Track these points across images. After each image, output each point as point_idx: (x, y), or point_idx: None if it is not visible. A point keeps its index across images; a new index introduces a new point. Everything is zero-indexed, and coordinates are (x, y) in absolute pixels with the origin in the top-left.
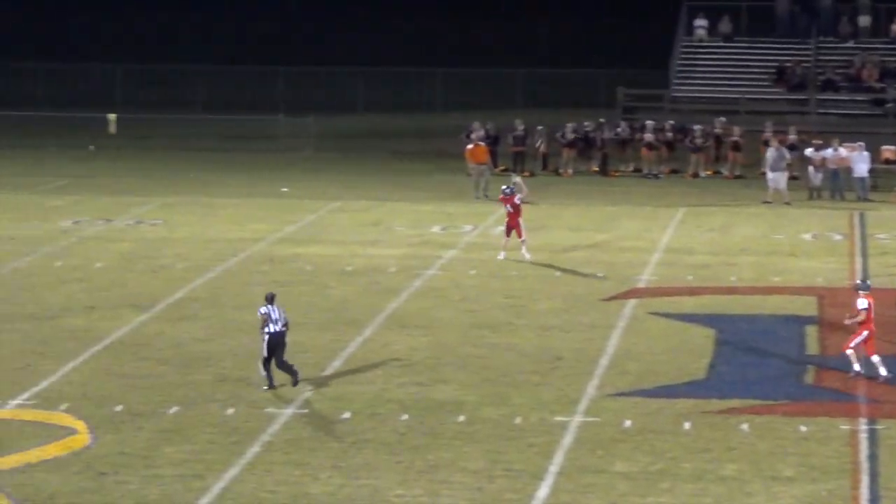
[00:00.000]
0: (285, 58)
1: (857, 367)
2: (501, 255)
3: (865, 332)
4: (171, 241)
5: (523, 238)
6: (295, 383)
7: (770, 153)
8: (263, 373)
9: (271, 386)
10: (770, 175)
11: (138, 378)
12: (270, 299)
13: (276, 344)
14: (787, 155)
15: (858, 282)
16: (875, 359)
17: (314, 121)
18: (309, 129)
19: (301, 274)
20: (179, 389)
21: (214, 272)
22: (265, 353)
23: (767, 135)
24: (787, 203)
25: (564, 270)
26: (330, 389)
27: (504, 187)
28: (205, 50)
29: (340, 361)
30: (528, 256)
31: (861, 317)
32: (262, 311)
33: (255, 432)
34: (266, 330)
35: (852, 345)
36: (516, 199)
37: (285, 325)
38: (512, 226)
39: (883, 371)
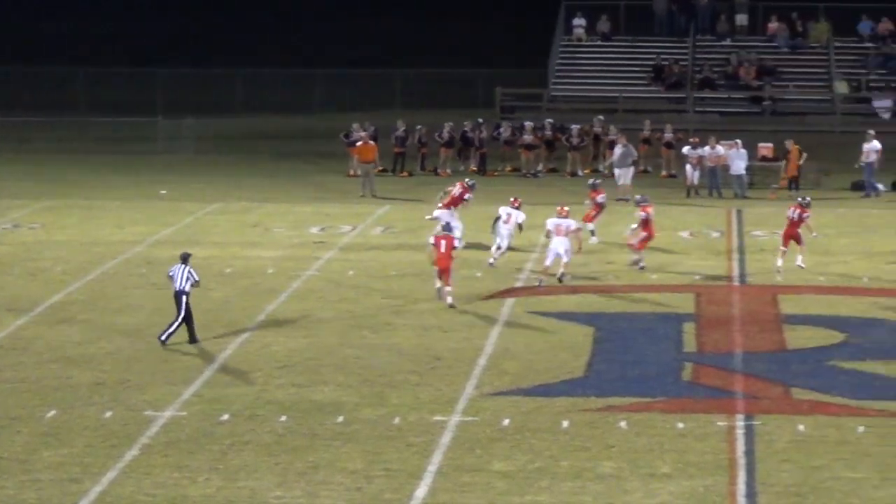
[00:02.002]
0: (164, 60)
1: (449, 300)
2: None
3: (436, 269)
4: (49, 244)
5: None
6: (193, 340)
7: (617, 150)
8: (188, 333)
9: (193, 341)
10: (617, 171)
11: (16, 382)
12: (184, 259)
13: (176, 301)
14: (634, 153)
15: (444, 224)
16: (446, 289)
17: (193, 123)
18: (188, 131)
19: None
20: (57, 393)
21: (93, 275)
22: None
23: (646, 133)
24: (627, 200)
25: None
26: (209, 391)
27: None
28: (83, 52)
29: (219, 363)
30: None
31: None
32: (170, 272)
33: (134, 435)
34: (174, 286)
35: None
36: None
37: (192, 284)
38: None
39: (449, 300)
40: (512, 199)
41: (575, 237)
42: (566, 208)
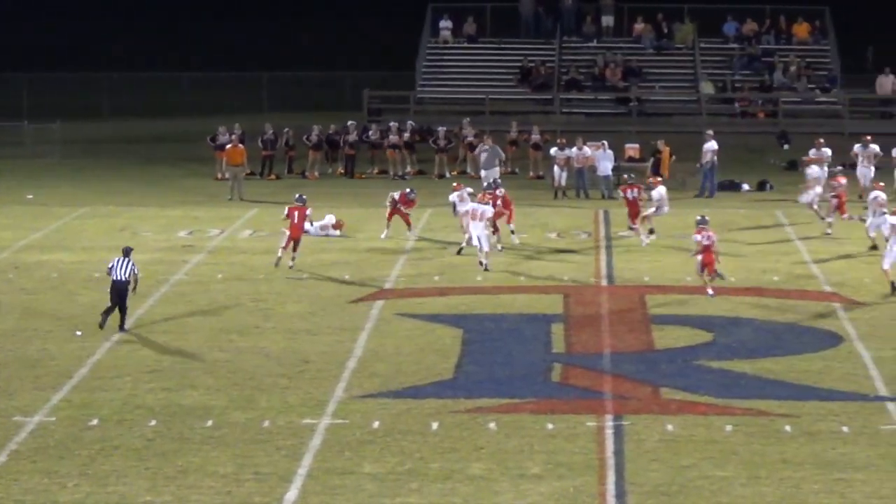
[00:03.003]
0: (30, 64)
1: (290, 263)
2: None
3: (288, 236)
4: None
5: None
6: (121, 327)
7: (482, 152)
8: (101, 316)
9: (101, 326)
10: (483, 173)
11: None
12: (126, 253)
13: (116, 291)
14: (501, 153)
15: (298, 196)
16: (293, 253)
17: (60, 127)
18: (55, 136)
19: (47, 281)
20: None
21: None
22: (110, 300)
23: (513, 135)
24: None
25: (311, 273)
26: (77, 396)
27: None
28: None
29: (87, 368)
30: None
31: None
32: (109, 265)
33: (2, 441)
34: (112, 277)
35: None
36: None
37: (132, 277)
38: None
39: (291, 263)
40: (480, 195)
41: (490, 224)
42: (488, 195)
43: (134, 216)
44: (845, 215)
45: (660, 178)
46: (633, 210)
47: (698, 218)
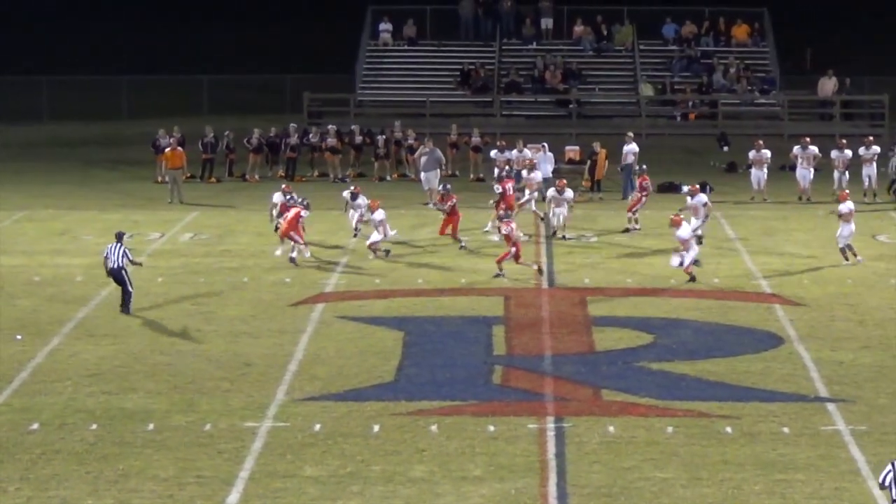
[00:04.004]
0: None
1: (291, 254)
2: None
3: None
4: None
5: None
6: (126, 310)
7: (420, 152)
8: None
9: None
10: (423, 176)
11: None
12: (118, 238)
13: (114, 278)
14: (441, 156)
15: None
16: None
17: None
18: None
19: None
20: None
21: None
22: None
23: (453, 137)
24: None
25: (252, 276)
26: (17, 401)
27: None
28: None
29: (28, 372)
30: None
31: None
32: (104, 254)
33: None
34: (108, 265)
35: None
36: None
37: (126, 260)
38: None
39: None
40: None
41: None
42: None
43: (74, 220)
44: (631, 212)
45: (564, 181)
46: (508, 202)
47: (500, 213)
